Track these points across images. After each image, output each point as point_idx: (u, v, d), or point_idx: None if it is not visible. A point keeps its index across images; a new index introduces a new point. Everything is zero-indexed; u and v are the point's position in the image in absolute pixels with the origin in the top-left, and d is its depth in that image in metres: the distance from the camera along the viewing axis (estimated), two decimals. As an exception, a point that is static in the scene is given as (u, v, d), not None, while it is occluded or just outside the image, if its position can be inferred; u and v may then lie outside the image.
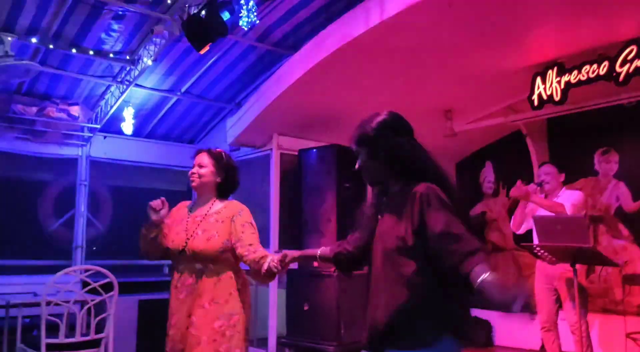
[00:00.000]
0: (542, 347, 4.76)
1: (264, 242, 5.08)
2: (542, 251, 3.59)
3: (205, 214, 2.53)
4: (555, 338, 3.97)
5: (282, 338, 5.13)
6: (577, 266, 3.52)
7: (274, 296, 5.21)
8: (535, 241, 3.93)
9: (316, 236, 4.97)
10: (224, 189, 2.61)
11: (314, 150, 5.23)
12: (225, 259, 2.49)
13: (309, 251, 2.21)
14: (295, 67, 4.66)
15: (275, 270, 2.19)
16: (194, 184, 2.56)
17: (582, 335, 3.68)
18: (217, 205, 2.57)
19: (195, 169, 2.56)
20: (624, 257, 4.87)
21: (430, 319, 1.62)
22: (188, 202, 2.69)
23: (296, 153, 5.35)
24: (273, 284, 5.24)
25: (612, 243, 4.98)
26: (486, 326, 5.65)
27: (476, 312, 5.83)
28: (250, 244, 2.45)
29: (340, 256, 2.00)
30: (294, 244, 5.14)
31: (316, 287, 4.81)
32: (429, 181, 1.70)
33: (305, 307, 4.85)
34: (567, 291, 3.81)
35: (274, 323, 5.15)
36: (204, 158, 2.57)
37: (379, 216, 1.82)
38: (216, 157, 2.57)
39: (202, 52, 4.13)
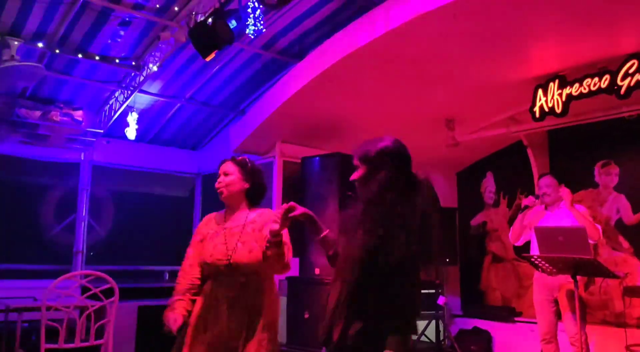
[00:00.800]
0: (543, 358, 4.75)
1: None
2: (542, 262, 3.59)
3: (243, 225, 2.49)
4: (556, 350, 3.97)
5: (282, 346, 5.11)
6: (577, 278, 3.53)
7: (274, 303, 5.20)
8: (534, 251, 3.94)
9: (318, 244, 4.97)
10: (253, 195, 2.57)
11: (317, 158, 5.24)
12: (264, 268, 2.44)
13: (319, 223, 2.11)
14: (300, 76, 4.69)
15: (277, 226, 2.06)
16: (223, 195, 2.51)
17: (582, 346, 3.68)
18: (252, 214, 2.53)
19: (221, 179, 2.52)
20: (624, 269, 4.88)
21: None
22: (213, 215, 2.64)
23: (299, 161, 5.36)
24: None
25: (612, 255, 4.99)
26: (486, 336, 5.64)
27: (475, 323, 5.83)
28: None
29: (336, 257, 2.03)
30: (295, 251, 5.13)
31: (316, 295, 4.80)
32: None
33: (306, 315, 4.84)
34: (568, 302, 3.81)
35: (274, 331, 5.13)
36: (229, 166, 2.54)
37: None
38: (241, 164, 2.54)
39: (208, 59, 4.15)
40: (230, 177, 2.51)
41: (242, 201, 2.55)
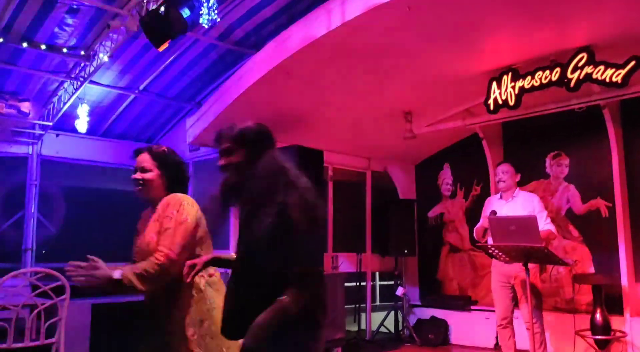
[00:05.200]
0: (497, 344, 4.89)
1: (222, 243, 5.02)
2: (496, 251, 3.68)
3: (150, 215, 2.23)
4: (511, 335, 4.08)
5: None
6: (530, 266, 3.63)
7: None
8: (490, 241, 4.03)
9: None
10: (173, 187, 2.27)
11: (275, 150, 5.18)
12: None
13: (222, 255, 2.05)
14: (257, 67, 4.62)
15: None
16: (141, 195, 2.25)
17: (534, 332, 3.80)
18: (161, 202, 2.23)
19: (138, 175, 2.23)
20: (573, 257, 5.06)
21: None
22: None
23: (257, 153, 5.29)
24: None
25: (563, 243, 5.17)
26: (443, 325, 5.75)
27: (433, 312, 5.94)
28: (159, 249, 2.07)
29: None
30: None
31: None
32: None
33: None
34: (522, 289, 3.92)
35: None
36: (146, 160, 2.24)
37: None
38: (159, 157, 2.25)
39: (161, 49, 4.04)
40: (148, 174, 2.22)
41: (162, 193, 2.25)
